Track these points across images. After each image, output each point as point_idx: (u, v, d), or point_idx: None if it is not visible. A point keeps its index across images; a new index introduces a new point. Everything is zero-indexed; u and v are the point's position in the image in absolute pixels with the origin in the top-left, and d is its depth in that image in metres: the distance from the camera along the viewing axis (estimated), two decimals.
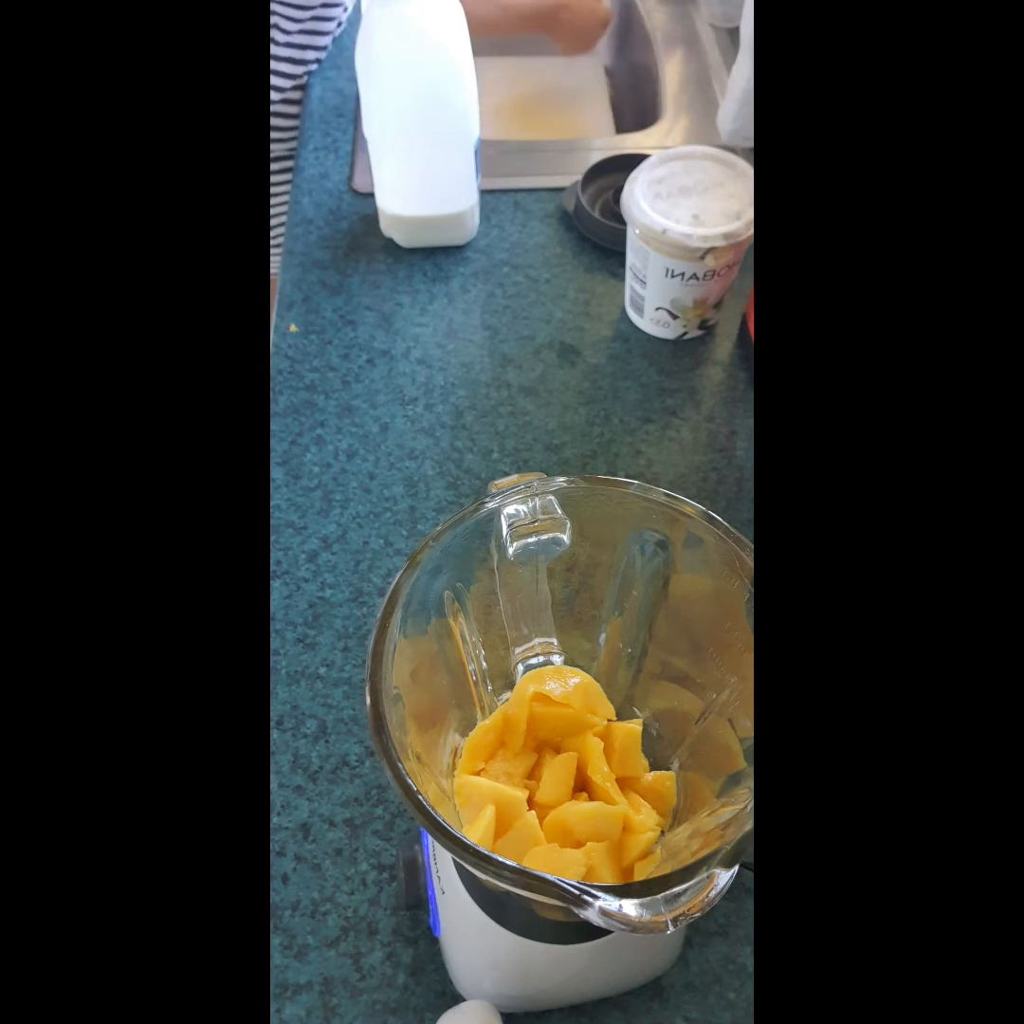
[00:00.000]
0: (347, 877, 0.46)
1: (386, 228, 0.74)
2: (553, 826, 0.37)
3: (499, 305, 0.72)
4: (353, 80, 0.89)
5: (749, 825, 0.29)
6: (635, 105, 1.01)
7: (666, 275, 0.64)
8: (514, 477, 0.37)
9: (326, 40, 0.90)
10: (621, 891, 0.27)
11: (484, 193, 0.77)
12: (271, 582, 0.57)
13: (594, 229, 0.75)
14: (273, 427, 0.64)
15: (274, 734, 0.51)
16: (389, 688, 0.32)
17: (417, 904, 0.43)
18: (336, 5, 0.89)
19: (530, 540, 0.37)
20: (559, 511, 0.37)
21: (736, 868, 0.28)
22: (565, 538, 0.38)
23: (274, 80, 0.88)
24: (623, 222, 0.65)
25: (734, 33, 0.96)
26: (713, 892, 0.27)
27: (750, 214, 0.61)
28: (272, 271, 1.00)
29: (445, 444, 0.64)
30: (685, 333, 0.69)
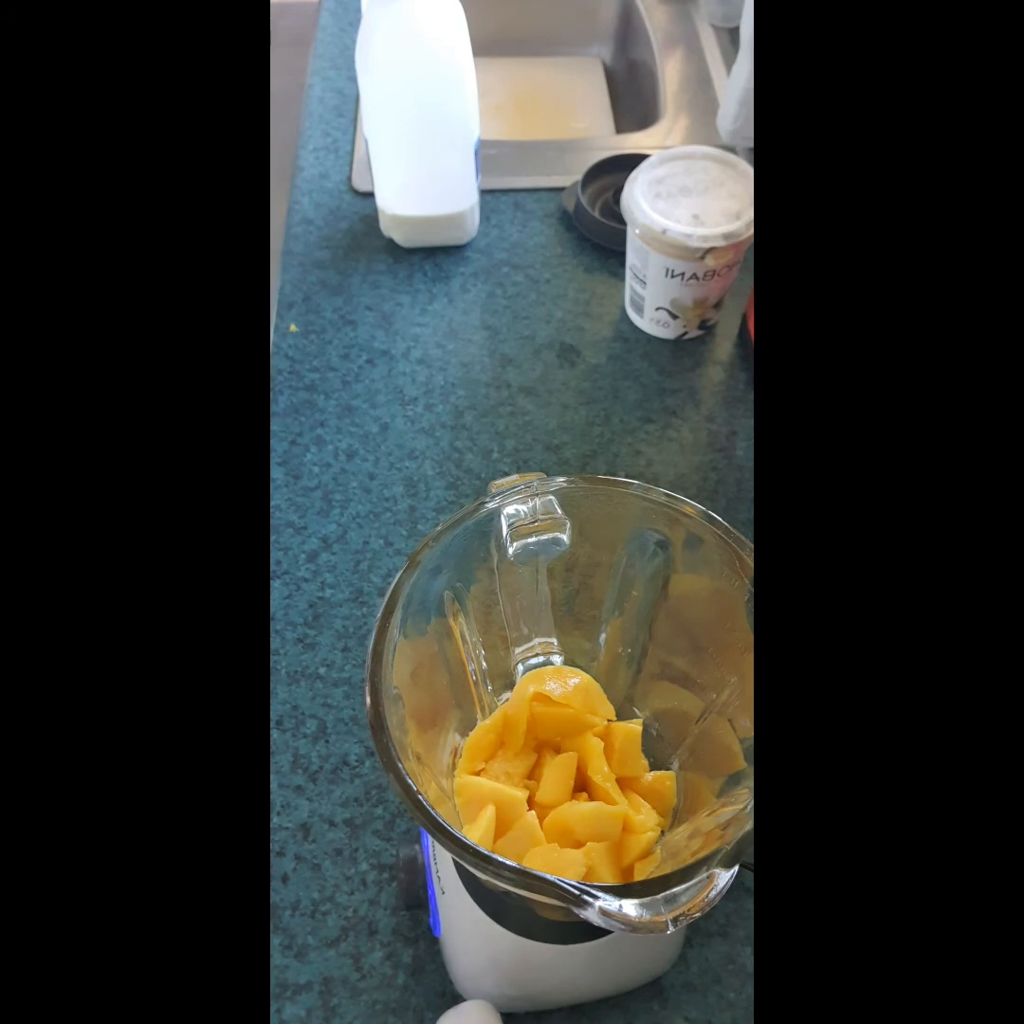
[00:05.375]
0: (347, 877, 0.46)
1: (386, 228, 0.74)
2: (553, 826, 0.37)
3: (499, 305, 0.72)
4: (353, 80, 0.89)
5: (749, 825, 0.29)
6: (635, 105, 1.01)
7: (666, 275, 0.64)
8: (514, 477, 0.37)
9: None
10: (621, 891, 0.27)
11: (484, 193, 0.77)
12: (271, 582, 0.57)
13: (594, 229, 0.75)
14: (273, 427, 0.64)
15: (274, 734, 0.51)
16: (389, 688, 0.32)
17: (417, 904, 0.43)
18: None
19: (530, 540, 0.37)
20: (559, 511, 0.37)
21: (736, 868, 0.28)
22: (565, 538, 0.38)
23: None
24: (623, 222, 0.65)
25: (734, 33, 0.96)
26: (713, 892, 0.27)
27: (750, 214, 0.61)
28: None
29: (445, 444, 0.64)
30: (685, 333, 0.69)
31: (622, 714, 0.41)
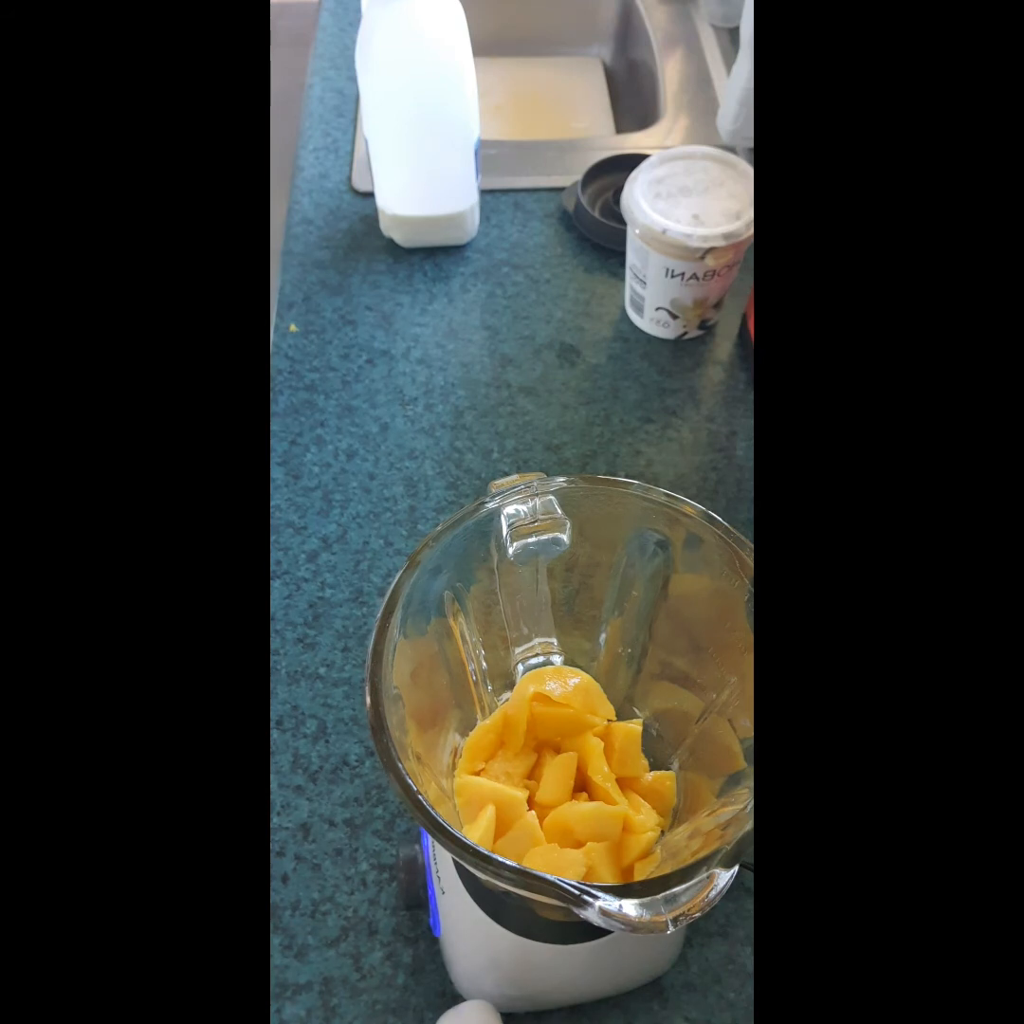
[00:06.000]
0: (347, 877, 0.46)
1: (386, 228, 0.74)
2: (553, 826, 0.37)
3: (499, 305, 0.72)
4: (353, 80, 0.89)
5: (749, 825, 0.29)
6: (635, 105, 1.01)
7: (666, 275, 0.64)
8: (514, 477, 0.37)
9: None
10: (621, 891, 0.27)
11: (484, 193, 0.77)
12: (271, 582, 0.57)
13: (594, 229, 0.75)
14: (273, 427, 0.64)
15: (274, 734, 0.51)
16: (389, 688, 0.32)
17: (417, 904, 0.43)
18: None
19: (530, 540, 0.37)
20: (559, 511, 0.37)
21: (736, 868, 0.28)
22: (565, 538, 0.38)
23: None
24: (623, 222, 0.65)
25: (734, 33, 0.96)
26: (713, 892, 0.27)
27: (750, 214, 0.61)
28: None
29: (445, 444, 0.64)
30: (685, 333, 0.69)
31: (622, 714, 0.41)
